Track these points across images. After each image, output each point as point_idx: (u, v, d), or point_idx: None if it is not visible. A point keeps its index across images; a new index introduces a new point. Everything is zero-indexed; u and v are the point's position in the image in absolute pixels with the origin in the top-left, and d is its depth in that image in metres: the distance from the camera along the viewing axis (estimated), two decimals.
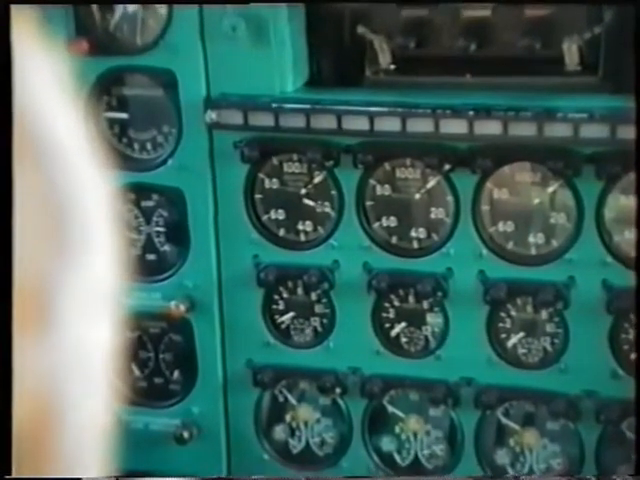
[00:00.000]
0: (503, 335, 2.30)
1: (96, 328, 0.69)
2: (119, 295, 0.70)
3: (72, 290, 0.65)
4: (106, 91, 2.40)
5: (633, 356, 2.26)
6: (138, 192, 2.45)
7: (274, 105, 2.26)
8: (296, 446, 2.51)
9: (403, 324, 2.36)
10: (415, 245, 2.31)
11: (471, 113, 2.16)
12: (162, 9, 2.35)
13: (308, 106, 2.25)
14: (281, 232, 2.39)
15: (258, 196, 2.39)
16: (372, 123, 2.21)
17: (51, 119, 0.66)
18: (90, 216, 0.68)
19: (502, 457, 2.38)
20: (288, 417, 2.51)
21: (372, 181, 2.31)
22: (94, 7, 2.39)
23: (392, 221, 2.32)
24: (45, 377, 0.64)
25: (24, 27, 0.67)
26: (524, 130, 2.14)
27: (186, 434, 2.47)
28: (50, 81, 0.67)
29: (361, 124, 2.22)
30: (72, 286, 0.65)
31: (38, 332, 0.63)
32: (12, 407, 0.63)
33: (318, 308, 2.41)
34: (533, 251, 2.25)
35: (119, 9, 2.40)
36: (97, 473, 0.73)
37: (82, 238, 0.66)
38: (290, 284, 2.41)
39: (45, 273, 0.63)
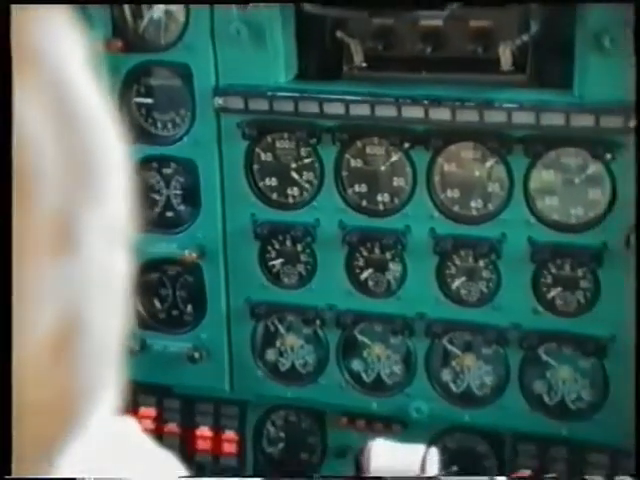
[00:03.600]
0: (449, 279, 2.35)
1: (113, 255, 0.67)
2: (135, 234, 0.68)
3: (92, 221, 0.63)
4: (136, 81, 2.43)
5: (549, 296, 2.28)
6: (160, 162, 2.47)
7: (269, 93, 2.28)
8: (284, 365, 2.54)
9: (370, 270, 2.39)
10: (381, 207, 2.35)
11: (426, 102, 2.19)
12: (181, 16, 2.35)
13: (296, 94, 2.27)
14: (273, 196, 2.42)
15: (255, 166, 2.40)
16: (347, 109, 2.24)
17: (85, 90, 0.64)
18: (110, 163, 0.66)
19: (446, 375, 2.42)
20: (278, 343, 2.54)
21: (347, 155, 2.34)
22: (127, 13, 2.39)
23: (363, 188, 2.35)
24: (67, 295, 0.62)
25: (64, 25, 0.65)
26: (468, 116, 2.17)
27: (197, 355, 2.51)
28: (85, 65, 0.66)
29: (339, 109, 2.25)
30: (92, 218, 0.63)
31: (62, 256, 0.61)
32: (11, 410, 0.59)
33: (303, 257, 2.45)
34: (474, 213, 2.29)
35: (147, 15, 2.39)
36: (113, 387, 0.70)
37: (102, 179, 0.64)
38: (280, 237, 2.44)
39: (69, 204, 0.61)
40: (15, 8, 0.60)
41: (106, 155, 0.65)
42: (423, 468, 1.97)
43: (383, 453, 2.01)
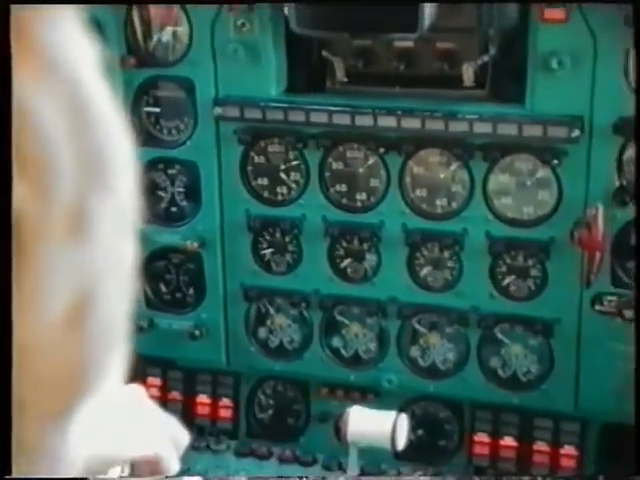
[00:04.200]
0: (418, 268, 2.39)
1: (121, 241, 0.64)
2: (142, 223, 0.66)
3: (103, 210, 0.61)
4: (146, 92, 2.46)
5: (504, 283, 2.32)
6: (166, 163, 2.50)
7: (262, 104, 2.32)
8: (273, 342, 2.59)
9: (349, 259, 2.44)
10: (359, 205, 2.39)
11: (399, 112, 2.22)
12: (185, 37, 2.36)
13: (286, 105, 2.31)
14: (265, 194, 2.45)
15: (249, 168, 2.44)
16: (331, 118, 2.27)
17: (96, 91, 0.62)
18: (119, 159, 0.64)
19: (415, 352, 2.47)
20: (268, 322, 2.58)
21: (330, 159, 2.38)
22: (139, 34, 2.40)
23: (343, 187, 2.39)
24: (79, 275, 0.60)
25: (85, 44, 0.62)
26: (435, 126, 2.21)
27: (197, 332, 2.55)
28: (96, 68, 0.63)
29: (323, 119, 2.28)
30: (103, 207, 0.61)
31: (76, 240, 0.59)
32: (10, 410, 0.56)
33: (290, 247, 2.48)
34: (440, 210, 2.33)
35: (156, 36, 2.41)
36: (120, 359, 0.68)
37: (112, 174, 0.62)
38: (271, 230, 2.47)
39: (83, 195, 0.59)
40: (21, 9, 0.57)
41: (116, 152, 0.64)
42: (394, 431, 2.05)
43: (359, 418, 2.08)
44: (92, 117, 0.61)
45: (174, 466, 1.55)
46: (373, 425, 2.07)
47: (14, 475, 0.58)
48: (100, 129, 0.62)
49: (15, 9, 0.57)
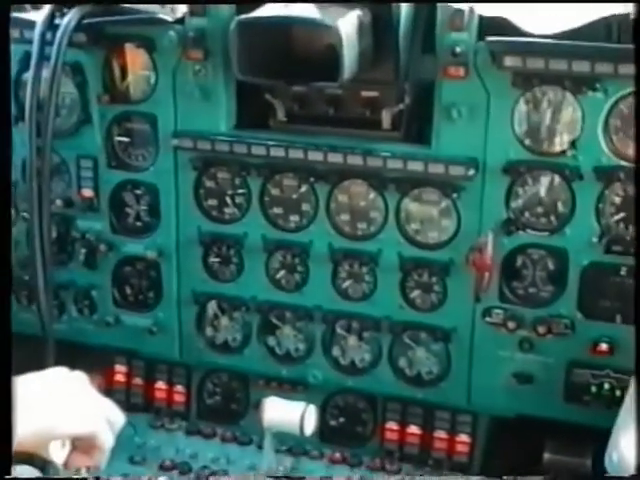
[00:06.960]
0: (340, 281, 2.42)
1: None
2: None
3: None
4: (118, 124, 2.49)
5: (411, 296, 2.34)
6: (133, 185, 2.53)
7: (212, 137, 2.34)
8: (219, 339, 2.59)
9: (283, 271, 2.44)
10: (293, 225, 2.41)
11: (326, 149, 2.26)
12: (152, 81, 2.38)
13: (233, 139, 2.33)
14: (214, 213, 2.47)
15: (201, 191, 2.46)
16: (268, 151, 2.30)
17: None
18: None
19: (336, 352, 2.49)
20: (215, 323, 2.58)
21: (268, 186, 2.40)
22: (116, 76, 2.42)
23: (280, 210, 2.41)
24: None
25: None
26: (356, 161, 2.25)
27: (155, 329, 2.58)
28: None
29: (262, 151, 2.30)
30: None
31: None
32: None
33: (234, 259, 2.49)
34: (360, 232, 2.36)
35: (129, 78, 2.43)
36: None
37: None
38: (218, 244, 2.49)
39: None
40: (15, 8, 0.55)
41: None
42: (302, 420, 2.10)
43: (273, 408, 2.12)
44: None
45: (109, 442, 1.57)
46: (284, 414, 2.10)
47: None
48: None
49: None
